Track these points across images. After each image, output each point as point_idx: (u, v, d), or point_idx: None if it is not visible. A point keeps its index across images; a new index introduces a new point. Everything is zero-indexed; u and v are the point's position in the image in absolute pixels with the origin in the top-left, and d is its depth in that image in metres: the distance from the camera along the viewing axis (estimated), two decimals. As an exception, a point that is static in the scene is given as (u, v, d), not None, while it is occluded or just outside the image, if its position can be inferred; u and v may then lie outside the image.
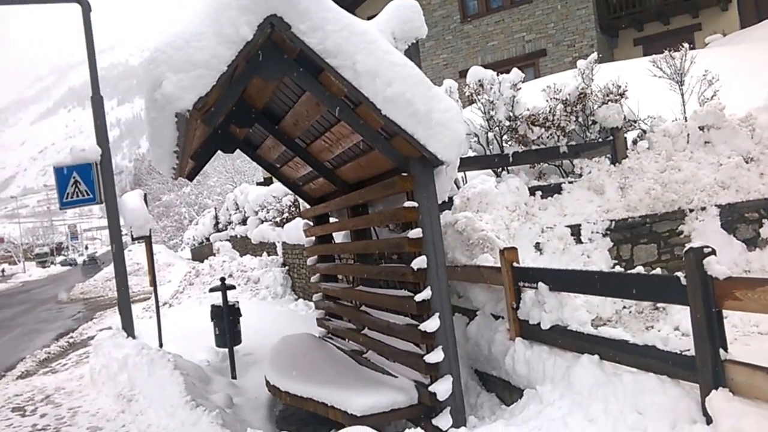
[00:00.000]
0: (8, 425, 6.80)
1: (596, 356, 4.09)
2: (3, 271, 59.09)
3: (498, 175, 7.47)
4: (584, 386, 3.99)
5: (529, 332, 4.79)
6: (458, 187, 7.04)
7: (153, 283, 9.58)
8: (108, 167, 8.81)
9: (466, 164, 6.97)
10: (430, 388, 4.65)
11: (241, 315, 8.17)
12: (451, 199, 6.53)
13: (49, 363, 10.95)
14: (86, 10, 8.78)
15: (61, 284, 37.21)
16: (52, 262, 74.53)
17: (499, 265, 4.98)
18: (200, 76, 3.78)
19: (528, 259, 6.19)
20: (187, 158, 5.42)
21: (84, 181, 8.66)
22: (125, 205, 9.01)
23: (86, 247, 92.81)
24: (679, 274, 3.26)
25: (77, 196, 8.68)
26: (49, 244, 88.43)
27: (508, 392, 5.10)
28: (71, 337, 13.85)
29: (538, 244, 6.58)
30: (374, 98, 4.14)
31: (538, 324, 4.62)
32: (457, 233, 5.83)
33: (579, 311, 4.48)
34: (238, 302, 8.35)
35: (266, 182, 19.89)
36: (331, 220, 7.44)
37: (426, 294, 4.63)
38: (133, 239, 9.30)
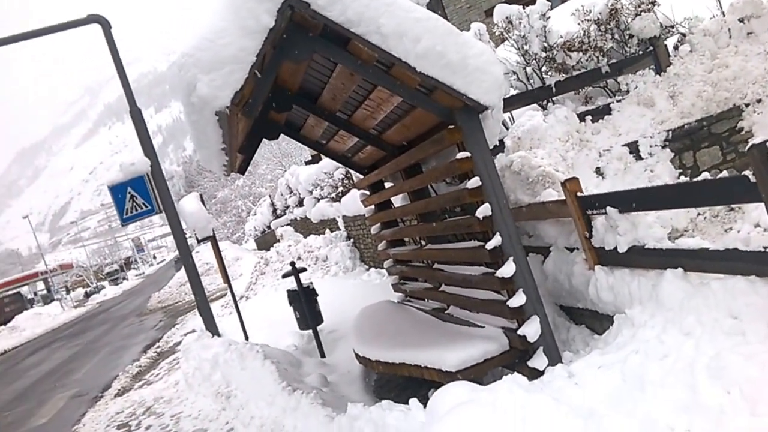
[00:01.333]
0: (118, 442, 7.24)
1: (679, 269, 4.09)
2: (87, 293, 61.60)
3: (544, 108, 7.41)
4: (673, 301, 4.01)
5: (607, 258, 4.80)
6: (507, 128, 7.02)
7: (226, 279, 9.93)
8: (159, 176, 9.11)
9: (510, 103, 6.94)
10: (519, 332, 4.74)
11: (317, 295, 8.41)
12: (501, 141, 6.53)
13: (143, 376, 11.49)
14: (107, 28, 9.01)
15: (136, 297, 38.72)
16: (124, 278, 77.37)
17: (563, 197, 4.99)
18: (231, 71, 3.89)
19: (590, 185, 6.16)
20: (235, 153, 5.59)
21: (139, 194, 8.98)
22: (184, 210, 9.32)
23: (154, 257, 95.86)
24: (747, 173, 3.23)
25: (136, 210, 9.01)
26: (117, 261, 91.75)
27: (597, 321, 5.16)
28: (158, 347, 14.41)
29: (598, 169, 6.53)
30: (406, 57, 4.18)
31: (615, 248, 4.63)
32: (514, 174, 5.84)
33: (653, 228, 4.47)
34: (312, 283, 8.59)
35: (314, 160, 20.10)
36: (386, 185, 7.54)
37: (496, 240, 4.69)
38: (198, 241, 9.63)
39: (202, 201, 9.61)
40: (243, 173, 6.91)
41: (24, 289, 73.25)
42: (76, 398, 11.51)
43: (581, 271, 5.18)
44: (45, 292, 73.79)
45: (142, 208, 9.04)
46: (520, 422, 3.31)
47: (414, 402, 4.23)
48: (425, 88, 4.61)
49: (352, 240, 13.52)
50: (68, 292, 70.08)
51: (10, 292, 67.84)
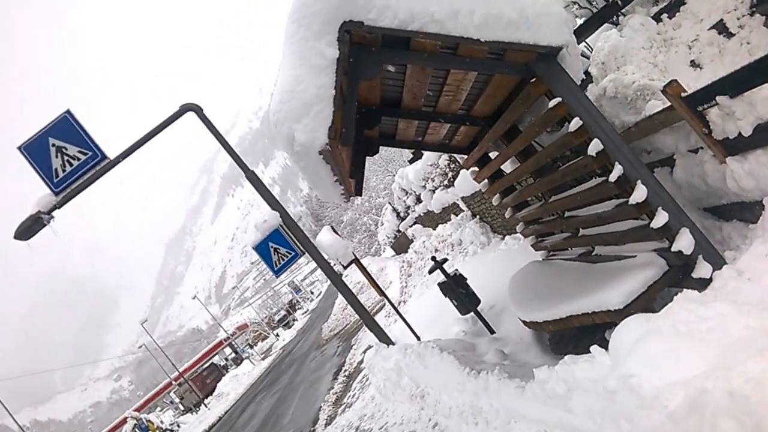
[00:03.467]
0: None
1: (817, 131, 3.74)
2: (271, 347, 64.75)
3: (617, 25, 6.98)
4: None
5: (735, 146, 4.46)
6: (588, 58, 6.69)
7: (381, 292, 10.15)
8: (291, 222, 9.44)
9: (582, 32, 6.61)
10: (673, 249, 4.49)
11: (466, 278, 8.39)
12: (587, 73, 6.24)
13: (342, 400, 11.91)
14: (200, 112, 9.47)
15: (310, 333, 40.28)
16: (293, 320, 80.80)
17: (668, 104, 4.69)
18: (319, 111, 3.98)
19: (690, 81, 5.73)
20: (348, 179, 5.70)
21: (280, 245, 9.35)
22: (323, 244, 9.63)
23: (311, 292, 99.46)
24: None
25: (283, 259, 9.38)
26: (282, 308, 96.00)
27: (748, 211, 4.79)
28: (345, 371, 14.88)
29: (692, 62, 6.06)
30: (467, 33, 4.10)
31: (739, 134, 4.29)
32: (612, 99, 5.56)
33: (773, 98, 4.10)
34: (457, 269, 8.58)
35: (416, 156, 20.15)
36: (492, 155, 7.41)
37: (617, 170, 4.48)
38: (345, 267, 9.90)
39: (335, 231, 9.88)
40: (360, 194, 7.03)
41: (215, 359, 78.36)
42: (293, 439, 12.12)
43: (713, 168, 4.83)
44: (233, 355, 78.51)
45: (287, 256, 9.39)
46: (707, 335, 3.12)
47: (595, 348, 4.10)
48: (495, 53, 4.50)
49: (477, 216, 13.39)
50: (252, 348, 74.07)
51: (206, 365, 72.85)
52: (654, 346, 3.32)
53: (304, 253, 9.39)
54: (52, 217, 8.74)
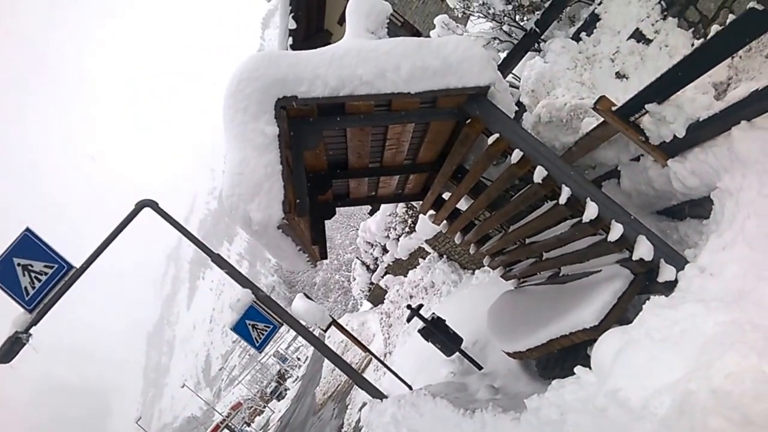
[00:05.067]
0: None
1: (743, 122, 3.85)
2: (268, 421, 63.05)
3: (539, 51, 7.18)
4: (754, 153, 3.76)
5: (673, 148, 4.56)
6: (518, 89, 6.84)
7: (364, 348, 9.97)
8: (263, 296, 9.28)
9: (507, 65, 6.78)
10: (634, 258, 4.51)
11: (444, 320, 8.32)
12: (519, 103, 6.36)
13: (346, 463, 11.58)
14: (156, 206, 9.33)
15: (304, 399, 39.35)
16: (285, 389, 79.07)
17: (601, 119, 4.79)
18: (269, 188, 3.94)
19: (619, 93, 5.89)
20: (311, 246, 5.63)
21: (258, 321, 9.15)
22: (298, 312, 9.47)
23: (298, 359, 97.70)
24: (752, 4, 3.02)
25: (262, 335, 9.18)
26: (272, 379, 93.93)
27: (699, 207, 4.87)
28: (345, 432, 14.54)
29: (617, 73, 6.25)
30: (397, 89, 4.16)
31: (674, 137, 4.40)
32: (548, 123, 5.67)
33: (696, 100, 4.23)
34: (434, 313, 8.51)
35: (374, 208, 20.23)
36: (446, 195, 7.43)
37: (566, 192, 4.52)
38: (324, 330, 9.73)
39: (308, 297, 9.73)
40: (326, 258, 6.97)
41: (215, 443, 75.86)
42: None
43: (657, 172, 4.93)
44: (232, 436, 76.14)
45: (266, 330, 9.19)
46: (681, 338, 3.11)
47: (579, 369, 4.06)
48: (428, 102, 4.55)
49: (445, 256, 13.40)
50: (249, 425, 72.02)
51: (207, 452, 70.38)
52: (633, 357, 3.29)
53: (282, 324, 9.21)
54: (30, 334, 8.47)
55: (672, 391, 2.87)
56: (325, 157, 5.51)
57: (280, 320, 9.11)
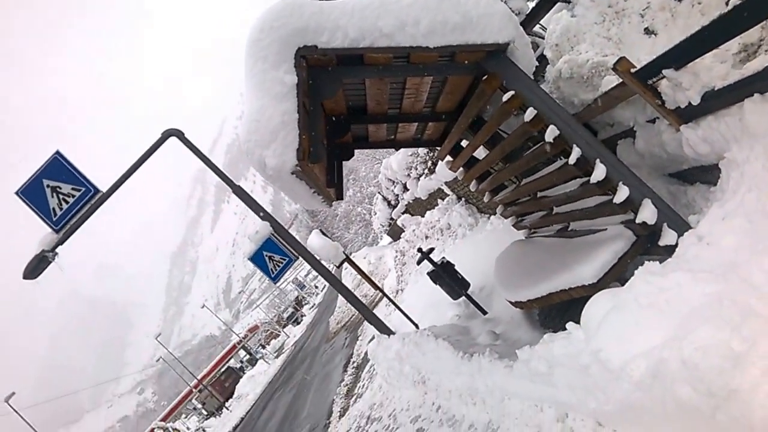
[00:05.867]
0: (357, 455, 7.71)
1: (756, 95, 3.85)
2: (283, 345, 64.90)
3: (568, 2, 7.04)
4: (760, 127, 3.79)
5: (687, 114, 4.57)
6: (539, 46, 6.77)
7: (375, 286, 10.29)
8: (282, 230, 9.55)
9: (534, 16, 6.67)
10: (637, 221, 4.62)
11: (454, 264, 8.52)
12: (542, 56, 6.32)
13: (352, 392, 12.09)
14: (182, 136, 9.54)
15: (318, 327, 40.46)
16: (302, 315, 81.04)
17: (620, 80, 4.80)
18: (285, 136, 4.08)
19: (646, 49, 5.82)
20: (325, 189, 5.80)
21: (274, 253, 9.47)
22: (314, 248, 9.76)
23: (315, 287, 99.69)
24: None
25: (278, 266, 9.52)
26: (289, 305, 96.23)
27: (708, 174, 4.91)
28: (353, 362, 15.07)
29: (646, 29, 6.15)
30: (416, 42, 4.21)
31: (689, 103, 4.41)
32: (568, 80, 5.66)
33: (713, 69, 4.22)
34: (445, 257, 8.71)
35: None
36: (464, 143, 7.50)
37: (576, 153, 4.60)
38: (337, 266, 10.04)
39: (323, 233, 9.99)
40: (342, 198, 7.14)
41: (231, 362, 78.62)
42: (312, 432, 12.31)
43: (671, 136, 4.95)
44: (248, 356, 78.77)
45: (282, 263, 9.52)
46: (666, 306, 3.26)
47: (570, 324, 4.24)
48: (446, 57, 4.60)
49: (463, 199, 13.50)
50: (265, 347, 74.33)
51: (223, 369, 73.13)
52: (619, 320, 3.46)
53: (297, 258, 9.52)
54: (56, 253, 8.87)
55: (648, 357, 3.05)
56: (345, 102, 5.60)
57: (296, 254, 9.42)
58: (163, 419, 62.02)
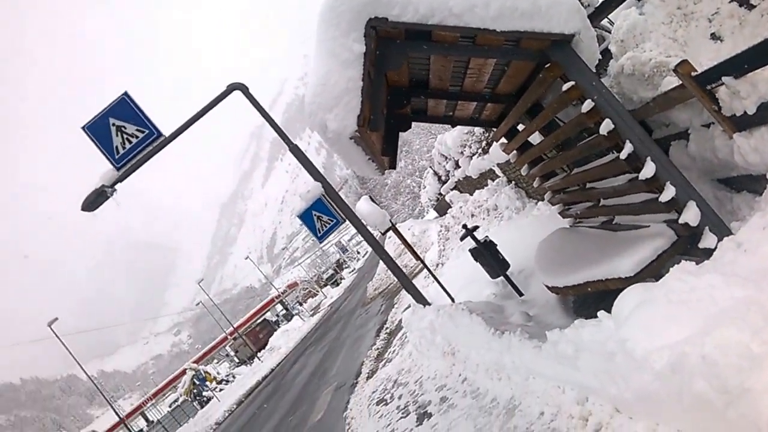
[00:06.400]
0: (380, 416, 8.01)
1: (812, 113, 3.88)
2: (319, 305, 66.07)
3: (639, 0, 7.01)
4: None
5: (741, 123, 4.60)
6: (605, 39, 6.77)
7: (417, 257, 10.52)
8: (332, 192, 9.83)
9: (603, 10, 6.67)
10: (680, 221, 4.69)
11: (496, 244, 8.66)
12: (607, 50, 6.34)
13: (382, 356, 12.41)
14: (246, 90, 9.86)
15: (356, 291, 41.09)
16: (341, 278, 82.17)
17: (680, 82, 4.84)
18: (348, 101, 4.30)
19: (710, 54, 5.80)
20: (380, 157, 6.02)
21: (323, 213, 9.75)
22: (361, 213, 10.02)
23: (357, 252, 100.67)
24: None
25: (325, 226, 9.80)
26: (330, 267, 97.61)
27: (756, 183, 4.93)
28: (387, 328, 15.37)
29: (713, 35, 6.11)
30: (484, 25, 4.33)
31: (745, 112, 4.44)
32: (629, 76, 5.69)
33: (775, 79, 4.23)
34: (488, 236, 8.86)
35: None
36: (520, 127, 7.59)
37: (628, 148, 4.68)
38: (382, 234, 10.28)
39: (373, 200, 10.22)
40: (394, 168, 7.35)
41: (268, 315, 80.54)
42: (338, 390, 12.64)
43: (723, 142, 4.98)
44: (284, 311, 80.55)
45: (329, 224, 9.79)
46: (695, 304, 3.38)
47: (602, 313, 4.39)
48: (511, 42, 4.71)
49: (513, 182, 13.53)
50: (301, 305, 75.82)
51: (259, 321, 75.01)
52: (648, 313, 3.60)
53: (345, 221, 9.79)
54: (115, 190, 9.34)
55: (671, 350, 3.19)
56: (408, 75, 5.77)
57: (343, 216, 9.69)
58: (196, 362, 64.12)
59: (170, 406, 57.36)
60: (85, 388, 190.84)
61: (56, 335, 33.36)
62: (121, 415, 40.49)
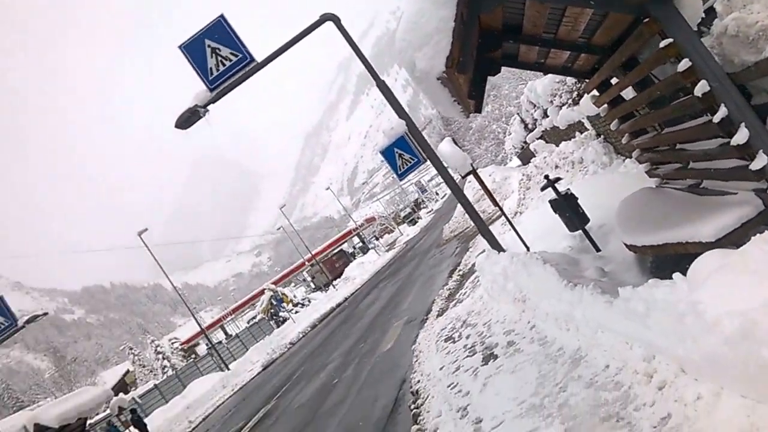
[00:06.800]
0: (447, 352, 8.28)
1: None
2: (395, 241, 67.04)
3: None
4: None
5: None
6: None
7: (495, 203, 10.55)
8: (416, 131, 9.91)
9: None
10: (769, 191, 4.56)
11: (577, 198, 8.57)
12: (712, 8, 6.03)
13: (454, 296, 12.66)
14: (338, 22, 9.95)
15: (432, 232, 41.41)
16: (418, 218, 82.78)
17: (789, 45, 4.60)
18: (438, 41, 4.35)
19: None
20: (466, 100, 6.05)
21: (405, 151, 9.87)
22: (443, 154, 10.08)
23: (437, 193, 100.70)
24: None
25: (406, 164, 9.93)
26: (408, 205, 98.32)
27: None
28: (460, 271, 15.57)
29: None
30: (584, -27, 4.24)
31: None
32: (732, 37, 5.41)
33: None
34: (569, 189, 8.77)
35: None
36: (613, 81, 7.37)
37: (722, 112, 4.53)
38: (462, 177, 10.33)
39: (455, 143, 10.24)
40: (480, 112, 7.34)
41: (344, 246, 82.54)
42: (408, 324, 13.07)
43: (828, 112, 4.74)
44: (361, 244, 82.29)
45: (410, 162, 9.91)
46: (772, 276, 3.35)
47: (677, 275, 4.37)
48: (611, -9, 4.59)
49: (602, 137, 13.13)
50: (377, 239, 77.20)
51: (336, 251, 77.07)
52: (724, 278, 3.59)
53: (426, 160, 9.88)
54: (207, 110, 9.75)
55: (742, 317, 3.21)
56: (501, 18, 5.70)
57: (425, 156, 9.79)
58: (275, 283, 66.95)
59: (248, 323, 60.66)
60: (169, 297, 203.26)
61: (145, 244, 35.32)
62: (202, 326, 42.96)
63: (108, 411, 24.33)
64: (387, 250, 59.58)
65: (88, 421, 23.00)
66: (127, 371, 73.56)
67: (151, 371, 63.39)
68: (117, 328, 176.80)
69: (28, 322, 19.32)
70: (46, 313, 21.70)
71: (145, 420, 23.43)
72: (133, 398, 32.13)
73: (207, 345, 47.14)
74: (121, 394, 26.79)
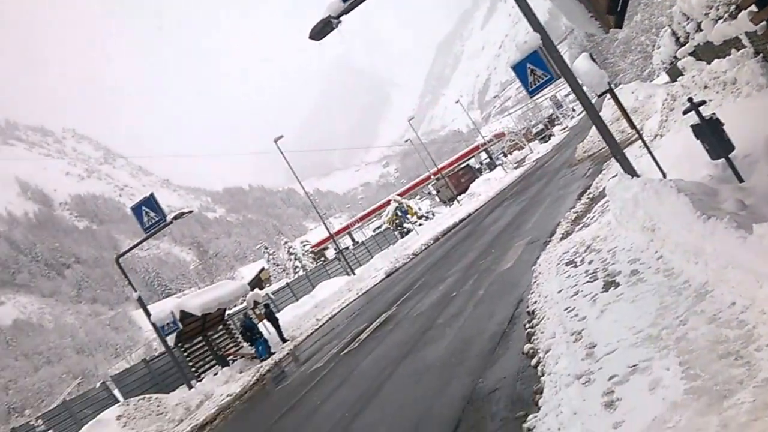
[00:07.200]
0: (567, 276, 8.25)
1: None
2: (524, 159, 65.71)
3: None
4: None
5: None
6: None
7: (633, 126, 10.05)
8: (551, 46, 9.48)
9: None
10: None
11: (722, 124, 7.97)
12: None
13: (580, 220, 12.39)
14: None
15: (564, 150, 40.06)
16: (550, 135, 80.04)
17: None
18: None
19: None
20: (605, 15, 5.74)
21: (538, 67, 9.50)
22: (579, 71, 9.61)
23: (573, 110, 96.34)
24: None
25: (538, 81, 9.59)
26: (540, 121, 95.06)
27: None
28: (590, 193, 15.13)
29: None
30: None
31: None
32: None
33: None
34: (714, 114, 8.16)
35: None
36: None
37: None
38: (598, 96, 9.86)
39: (593, 59, 9.71)
40: (620, 27, 6.93)
41: (471, 161, 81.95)
42: (530, 244, 13.05)
43: None
44: (488, 160, 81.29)
45: (542, 78, 9.55)
46: None
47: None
48: None
49: (760, 55, 11.88)
50: (506, 156, 75.81)
51: (462, 166, 76.82)
52: None
53: (559, 77, 9.49)
54: (340, 21, 9.85)
55: None
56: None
57: (559, 73, 9.40)
58: (400, 194, 68.33)
59: (374, 231, 62.85)
60: (301, 202, 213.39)
61: (280, 151, 37.03)
62: (330, 232, 45.08)
63: (244, 304, 26.48)
64: (515, 168, 58.51)
65: (227, 312, 25.26)
66: (263, 268, 79.27)
67: (283, 270, 67.88)
68: (254, 228, 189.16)
69: (176, 218, 21.28)
70: (191, 211, 23.72)
71: (277, 315, 25.34)
72: (267, 294, 34.69)
73: (335, 249, 49.45)
74: (256, 290, 29.13)
